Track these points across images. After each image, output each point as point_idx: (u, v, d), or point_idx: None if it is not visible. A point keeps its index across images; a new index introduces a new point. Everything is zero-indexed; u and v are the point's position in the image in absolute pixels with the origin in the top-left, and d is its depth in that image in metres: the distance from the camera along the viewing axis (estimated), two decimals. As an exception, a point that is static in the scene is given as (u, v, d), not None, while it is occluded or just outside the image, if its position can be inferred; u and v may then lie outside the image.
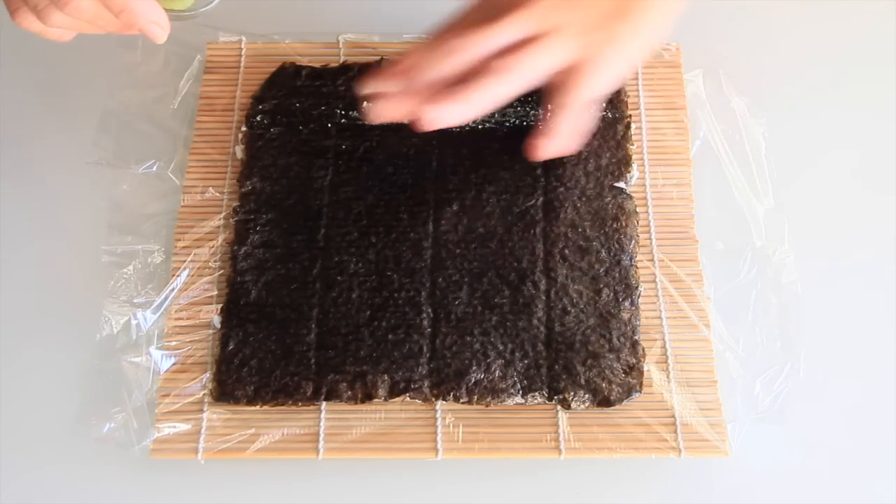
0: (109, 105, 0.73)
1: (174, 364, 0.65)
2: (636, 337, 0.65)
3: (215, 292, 0.67)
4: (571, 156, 0.70)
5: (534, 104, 0.70)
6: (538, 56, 0.59)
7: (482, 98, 0.59)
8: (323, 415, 0.63)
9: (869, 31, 0.80)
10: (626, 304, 0.65)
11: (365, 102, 0.62)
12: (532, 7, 0.59)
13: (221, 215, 0.69)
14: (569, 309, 0.65)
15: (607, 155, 0.70)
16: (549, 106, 0.63)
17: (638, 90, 0.74)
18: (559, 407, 0.63)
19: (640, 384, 0.63)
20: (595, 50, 0.60)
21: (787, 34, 0.78)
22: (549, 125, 0.64)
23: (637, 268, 0.67)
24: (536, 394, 0.63)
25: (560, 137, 0.65)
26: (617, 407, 0.63)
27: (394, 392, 0.63)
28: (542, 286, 0.66)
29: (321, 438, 0.63)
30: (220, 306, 0.66)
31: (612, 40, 0.60)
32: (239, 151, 0.71)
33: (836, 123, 0.75)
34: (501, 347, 0.64)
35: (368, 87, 0.61)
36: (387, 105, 0.61)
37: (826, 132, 0.75)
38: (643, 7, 0.61)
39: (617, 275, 0.66)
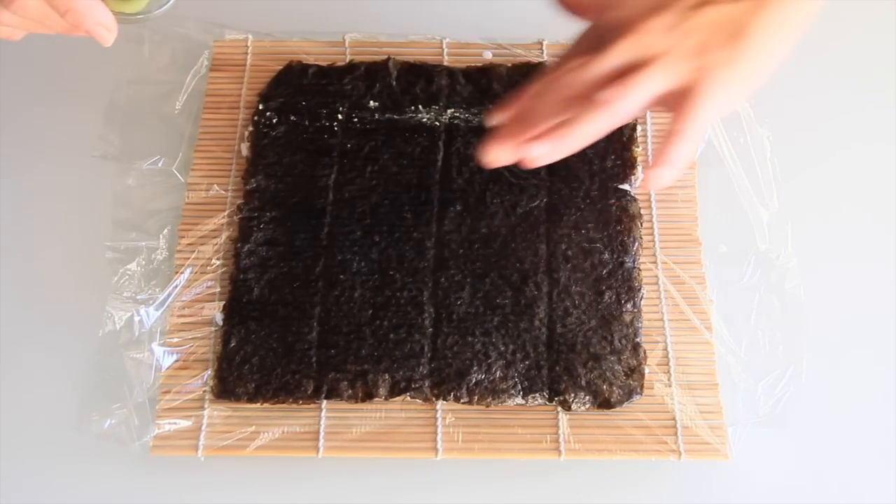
0: (115, 100, 0.74)
1: (176, 361, 0.65)
2: (638, 339, 0.65)
3: (218, 289, 0.67)
4: (576, 157, 0.69)
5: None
6: (640, 85, 0.55)
7: (586, 133, 0.57)
8: (323, 413, 0.63)
9: (875, 35, 0.80)
10: (629, 306, 0.65)
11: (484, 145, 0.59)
12: (638, 34, 0.55)
13: (225, 213, 0.69)
14: (571, 310, 0.65)
15: (612, 157, 0.70)
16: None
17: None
18: (559, 408, 0.63)
19: (641, 386, 0.63)
20: (708, 73, 0.55)
21: (795, 44, 0.78)
22: (662, 153, 0.57)
23: (640, 270, 0.67)
24: (537, 395, 0.63)
25: (674, 165, 0.58)
26: (617, 409, 0.63)
27: (394, 391, 0.63)
28: (545, 287, 0.66)
29: (321, 437, 0.63)
30: (222, 303, 0.66)
31: (729, 62, 0.56)
32: (244, 149, 0.71)
33: (840, 128, 0.75)
34: (503, 348, 0.64)
35: (494, 121, 0.60)
36: (500, 150, 0.58)
37: (830, 137, 0.75)
38: (766, 25, 0.56)
39: (620, 277, 0.66)
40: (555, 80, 0.57)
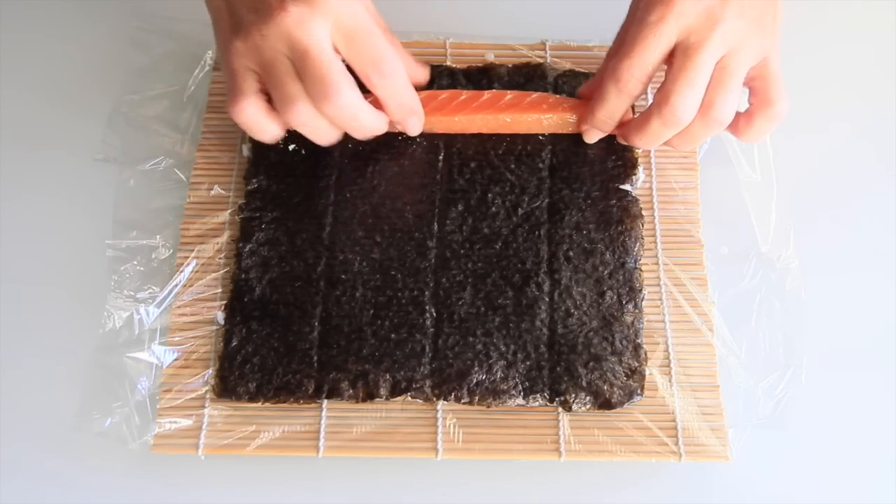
0: (119, 102, 0.74)
1: (177, 359, 0.65)
2: (639, 340, 0.65)
3: (219, 289, 0.67)
4: (577, 158, 0.70)
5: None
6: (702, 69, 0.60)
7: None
8: (324, 413, 0.64)
9: (879, 36, 0.80)
10: (630, 307, 0.65)
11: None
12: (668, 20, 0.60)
13: (227, 212, 0.70)
14: (572, 311, 0.65)
15: (613, 157, 0.70)
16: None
17: (647, 93, 0.74)
18: (560, 409, 0.63)
19: (642, 387, 0.63)
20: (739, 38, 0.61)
21: (796, 38, 0.78)
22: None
23: (641, 271, 0.67)
24: (538, 395, 0.63)
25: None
26: (618, 410, 0.63)
27: (395, 391, 0.63)
28: (546, 288, 0.66)
29: (322, 436, 0.63)
30: (223, 303, 0.66)
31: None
32: (245, 149, 0.71)
33: (844, 129, 0.75)
34: (504, 348, 0.64)
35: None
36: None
37: (834, 138, 0.75)
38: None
39: (621, 278, 0.66)
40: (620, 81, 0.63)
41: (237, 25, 0.60)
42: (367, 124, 0.64)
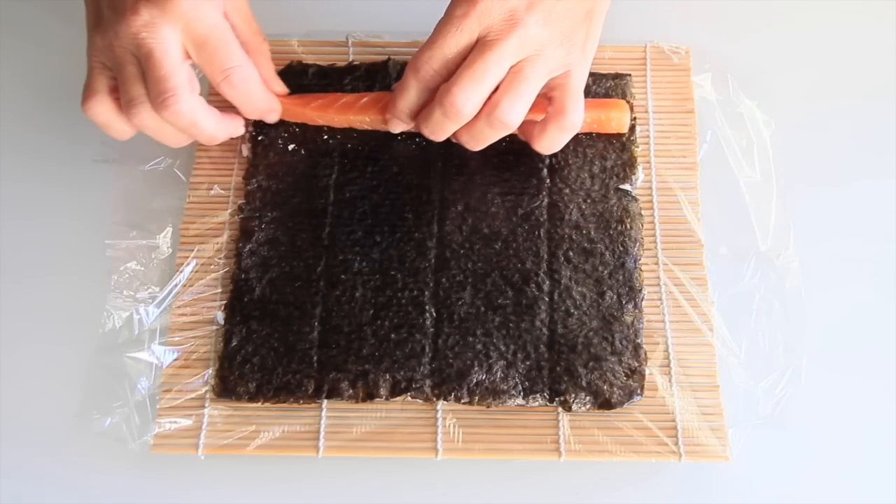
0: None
1: (176, 359, 0.65)
2: (639, 340, 0.65)
3: (219, 289, 0.67)
4: (577, 158, 0.70)
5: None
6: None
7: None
8: (324, 413, 0.63)
9: (879, 35, 0.80)
10: (630, 307, 0.65)
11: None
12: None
13: (227, 212, 0.70)
14: (572, 311, 0.65)
15: (612, 157, 0.70)
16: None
17: (646, 93, 0.74)
18: (560, 409, 0.63)
19: (642, 387, 0.63)
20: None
21: (796, 38, 0.78)
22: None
23: (641, 271, 0.67)
24: (538, 395, 0.63)
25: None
26: (618, 410, 0.63)
27: (395, 391, 0.63)
28: (546, 288, 0.66)
29: (321, 436, 0.63)
30: (223, 303, 0.66)
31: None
32: (245, 149, 0.71)
33: (844, 128, 0.75)
34: (503, 348, 0.64)
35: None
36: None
37: (834, 137, 0.74)
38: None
39: (621, 277, 0.66)
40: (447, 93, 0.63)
41: (98, 20, 0.62)
42: (208, 131, 0.64)
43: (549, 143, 0.65)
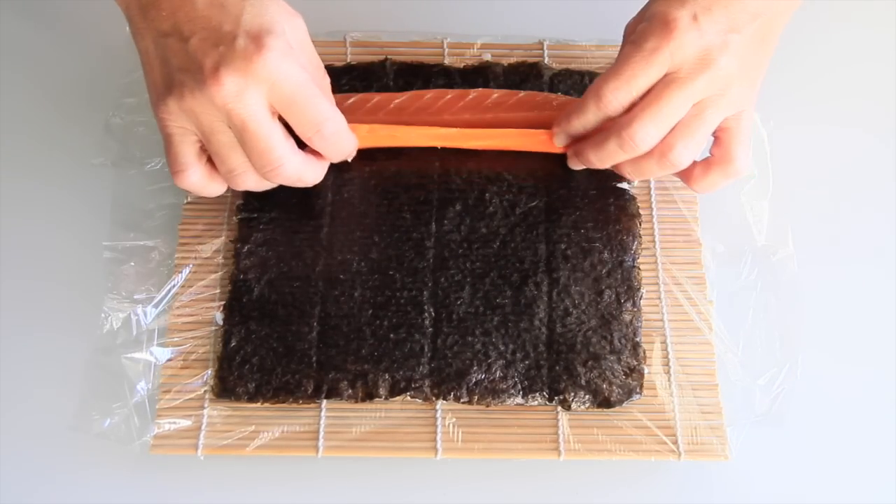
0: (116, 106, 0.73)
1: (176, 360, 0.65)
2: (637, 339, 0.65)
3: (218, 289, 0.67)
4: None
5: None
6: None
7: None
8: (323, 413, 0.63)
9: (876, 36, 0.80)
10: (628, 305, 0.65)
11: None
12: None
13: (225, 213, 0.70)
14: (570, 310, 0.65)
15: (611, 156, 0.70)
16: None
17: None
18: (559, 408, 0.63)
19: (641, 386, 0.63)
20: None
21: (793, 38, 0.78)
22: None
23: (639, 269, 0.67)
24: (537, 394, 0.63)
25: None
26: (617, 409, 0.63)
27: (394, 391, 0.63)
28: (544, 287, 0.66)
29: (321, 436, 0.63)
30: (222, 303, 0.66)
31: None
32: (244, 150, 0.71)
33: (840, 127, 0.75)
34: (502, 348, 0.64)
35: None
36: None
37: (830, 136, 0.75)
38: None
39: (619, 276, 0.66)
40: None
41: (169, 81, 0.58)
42: (312, 180, 0.64)
43: (709, 186, 0.64)
